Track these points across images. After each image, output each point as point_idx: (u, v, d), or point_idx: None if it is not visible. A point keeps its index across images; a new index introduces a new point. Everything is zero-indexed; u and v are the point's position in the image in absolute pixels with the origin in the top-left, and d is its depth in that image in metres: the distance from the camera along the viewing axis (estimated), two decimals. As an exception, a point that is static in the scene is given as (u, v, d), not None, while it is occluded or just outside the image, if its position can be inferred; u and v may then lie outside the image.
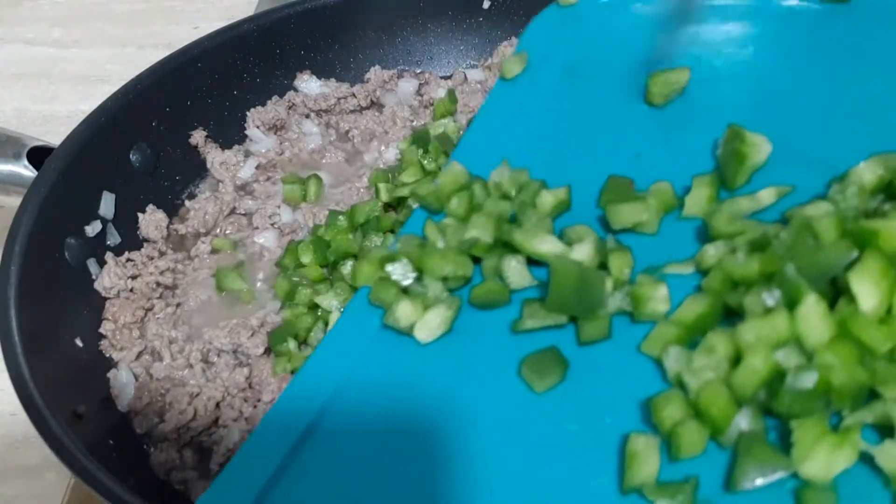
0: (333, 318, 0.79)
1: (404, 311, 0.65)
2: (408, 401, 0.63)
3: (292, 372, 0.76)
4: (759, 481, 0.51)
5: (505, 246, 0.69)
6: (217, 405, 0.75)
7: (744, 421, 0.54)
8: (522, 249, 0.68)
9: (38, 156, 0.84)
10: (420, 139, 0.95)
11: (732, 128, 0.71)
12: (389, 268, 0.69)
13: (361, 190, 0.94)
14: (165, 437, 0.74)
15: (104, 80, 1.25)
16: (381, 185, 0.90)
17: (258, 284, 0.86)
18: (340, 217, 0.86)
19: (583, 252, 0.65)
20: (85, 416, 0.71)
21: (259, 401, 0.75)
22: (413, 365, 0.65)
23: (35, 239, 0.76)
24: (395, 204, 0.90)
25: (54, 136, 0.87)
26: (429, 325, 0.65)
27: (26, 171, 0.83)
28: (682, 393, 0.56)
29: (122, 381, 0.77)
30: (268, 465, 0.60)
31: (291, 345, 0.78)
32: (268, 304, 0.84)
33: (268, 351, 0.79)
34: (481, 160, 0.78)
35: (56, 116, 1.21)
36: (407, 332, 0.66)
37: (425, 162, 0.92)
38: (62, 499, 0.79)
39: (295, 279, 0.83)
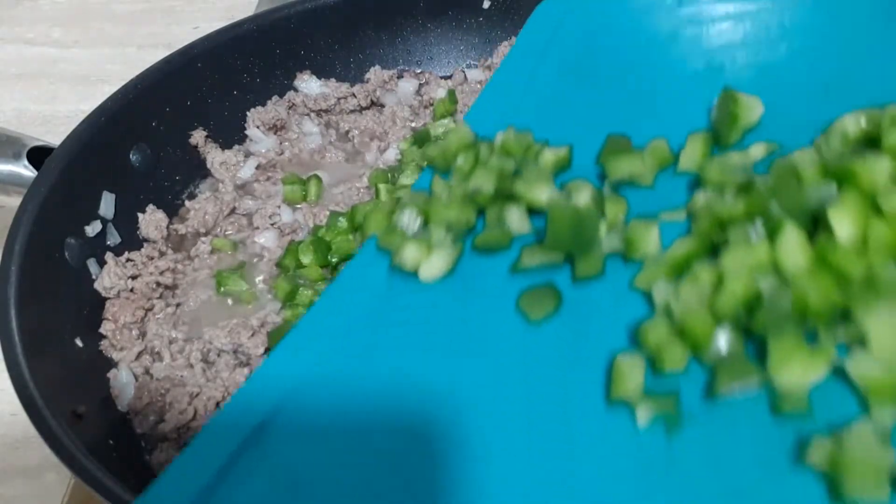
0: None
1: (410, 253, 0.69)
2: (415, 339, 0.67)
3: (292, 372, 0.77)
4: (736, 390, 0.55)
5: (508, 199, 0.73)
6: (217, 405, 0.75)
7: (723, 338, 0.57)
8: (523, 198, 0.71)
9: (38, 156, 0.84)
10: (420, 139, 0.96)
11: (727, 90, 0.74)
12: (397, 217, 0.73)
13: (361, 190, 0.94)
14: (165, 437, 0.74)
15: (104, 80, 1.25)
16: (382, 186, 0.90)
17: (258, 285, 0.86)
18: (341, 218, 0.86)
19: (580, 199, 0.68)
20: (85, 416, 0.71)
21: (259, 401, 0.75)
22: (418, 307, 0.69)
23: (35, 239, 0.76)
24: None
25: (54, 136, 0.86)
26: (433, 265, 0.69)
27: (26, 171, 0.83)
28: (668, 320, 0.60)
29: (122, 381, 0.77)
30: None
31: (291, 345, 0.78)
32: (268, 305, 0.84)
33: (268, 351, 0.79)
34: (489, 124, 0.81)
35: (56, 116, 1.21)
36: (412, 272, 0.69)
37: (425, 163, 0.92)
38: (62, 499, 0.79)
39: (295, 279, 0.83)
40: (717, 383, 0.56)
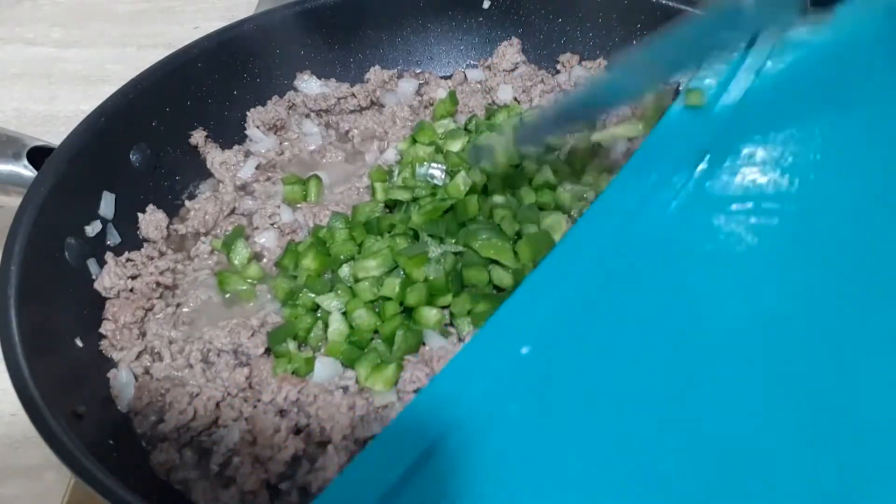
0: (334, 318, 0.79)
1: None
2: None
3: (293, 372, 0.76)
4: None
5: None
6: (217, 405, 0.75)
7: None
8: None
9: (38, 156, 0.84)
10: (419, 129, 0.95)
11: None
12: None
13: (361, 190, 0.94)
14: (165, 437, 0.74)
15: (104, 80, 1.25)
16: (378, 185, 0.90)
17: (258, 284, 0.86)
18: (341, 220, 0.86)
19: None
20: (85, 416, 0.71)
21: (259, 401, 0.75)
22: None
23: (35, 239, 0.76)
24: (392, 205, 0.90)
25: (54, 136, 0.86)
26: None
27: (26, 171, 0.83)
28: None
29: (122, 381, 0.77)
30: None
31: (291, 345, 0.78)
32: (268, 304, 0.84)
33: (268, 351, 0.79)
34: None
35: (56, 116, 1.21)
36: None
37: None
38: (62, 499, 0.79)
39: (295, 279, 0.83)
40: None
